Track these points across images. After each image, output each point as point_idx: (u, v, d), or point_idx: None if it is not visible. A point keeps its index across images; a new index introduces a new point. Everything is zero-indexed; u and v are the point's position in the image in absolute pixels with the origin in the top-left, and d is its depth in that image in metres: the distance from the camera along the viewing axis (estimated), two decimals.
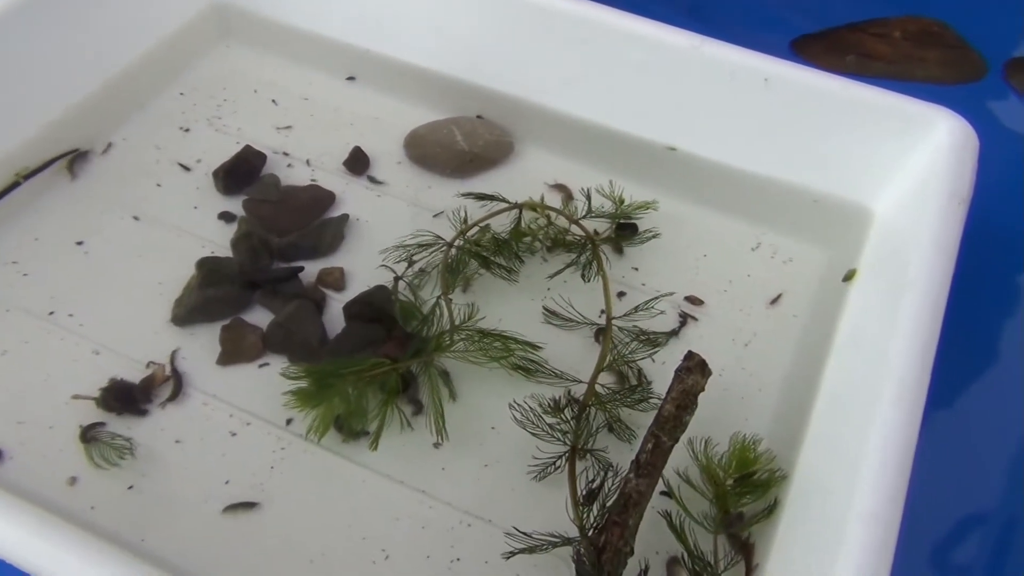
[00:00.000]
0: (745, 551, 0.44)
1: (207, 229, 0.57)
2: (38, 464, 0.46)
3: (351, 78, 0.66)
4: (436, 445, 0.48)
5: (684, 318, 0.54)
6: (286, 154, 0.62)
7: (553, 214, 0.57)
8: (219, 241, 0.56)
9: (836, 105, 0.56)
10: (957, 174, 0.50)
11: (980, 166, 0.53)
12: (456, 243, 0.55)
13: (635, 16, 0.59)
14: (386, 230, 0.57)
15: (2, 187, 0.56)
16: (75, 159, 0.59)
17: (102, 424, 0.47)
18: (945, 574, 0.47)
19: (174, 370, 0.50)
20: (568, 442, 0.46)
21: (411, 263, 0.55)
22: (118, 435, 0.47)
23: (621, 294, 0.55)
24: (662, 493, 0.45)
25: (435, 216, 0.58)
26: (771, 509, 0.44)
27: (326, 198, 0.58)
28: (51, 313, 0.52)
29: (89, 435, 0.47)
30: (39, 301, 0.52)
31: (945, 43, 0.76)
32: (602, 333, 0.52)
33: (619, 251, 0.57)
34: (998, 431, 0.52)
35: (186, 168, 0.60)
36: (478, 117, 0.63)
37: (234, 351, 0.51)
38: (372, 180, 0.60)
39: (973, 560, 0.48)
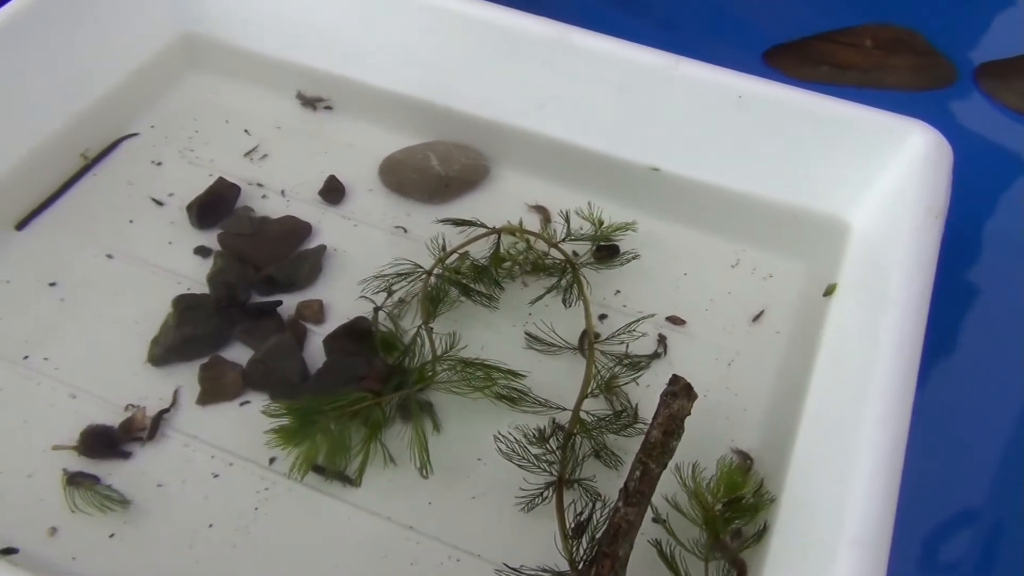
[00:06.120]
0: (739, 569, 0.44)
1: (183, 265, 0.56)
2: (17, 515, 0.45)
3: (328, 107, 0.66)
4: (423, 477, 0.47)
5: (664, 340, 0.54)
6: (260, 185, 0.61)
7: (532, 238, 0.57)
8: (195, 277, 0.55)
9: (810, 120, 0.56)
10: (932, 188, 0.50)
11: (953, 174, 0.53)
12: (435, 271, 0.54)
13: (610, 37, 0.59)
14: (364, 260, 0.56)
15: (74, 172, 0.59)
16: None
17: (85, 474, 0.46)
18: (934, 572, 0.48)
19: (156, 417, 0.49)
20: (554, 473, 0.46)
21: (390, 293, 0.54)
22: (104, 484, 0.46)
23: (603, 317, 0.55)
24: (653, 520, 0.45)
25: (413, 243, 0.58)
26: (760, 534, 0.44)
27: (302, 229, 0.58)
28: (26, 357, 0.51)
29: (75, 481, 0.46)
30: (13, 345, 0.51)
31: (915, 50, 0.77)
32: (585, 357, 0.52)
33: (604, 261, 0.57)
34: (983, 434, 0.53)
35: (159, 203, 0.59)
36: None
37: (213, 390, 0.50)
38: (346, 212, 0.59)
39: (962, 558, 0.48)
